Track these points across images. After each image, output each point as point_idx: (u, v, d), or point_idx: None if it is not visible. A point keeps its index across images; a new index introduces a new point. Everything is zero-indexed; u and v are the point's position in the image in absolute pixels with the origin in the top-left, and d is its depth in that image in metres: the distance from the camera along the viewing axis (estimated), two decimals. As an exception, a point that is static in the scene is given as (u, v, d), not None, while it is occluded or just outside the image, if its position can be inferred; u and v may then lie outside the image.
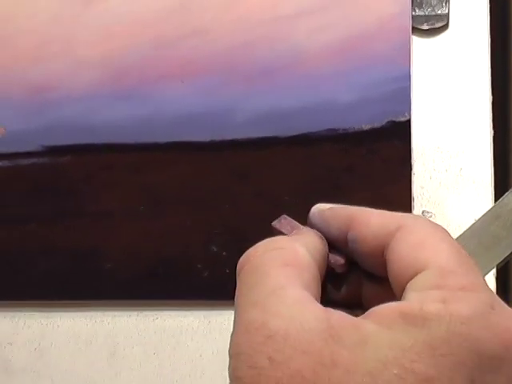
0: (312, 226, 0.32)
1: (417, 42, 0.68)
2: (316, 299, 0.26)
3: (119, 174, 0.72)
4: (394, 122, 0.67)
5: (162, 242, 0.70)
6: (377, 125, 0.67)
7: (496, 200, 0.63)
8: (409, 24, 0.68)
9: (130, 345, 0.70)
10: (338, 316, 0.25)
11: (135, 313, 0.70)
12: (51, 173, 0.73)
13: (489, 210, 0.59)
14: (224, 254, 0.68)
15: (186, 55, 0.73)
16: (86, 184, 0.73)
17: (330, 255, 0.31)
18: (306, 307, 0.25)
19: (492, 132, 0.65)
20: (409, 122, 0.66)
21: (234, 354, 0.26)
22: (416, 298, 0.25)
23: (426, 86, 0.68)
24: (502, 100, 0.70)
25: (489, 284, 0.59)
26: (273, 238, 0.29)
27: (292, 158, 0.68)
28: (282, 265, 0.27)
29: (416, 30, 0.68)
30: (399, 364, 0.23)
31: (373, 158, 0.66)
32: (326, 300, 0.28)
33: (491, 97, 0.66)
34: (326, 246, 0.31)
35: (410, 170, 0.66)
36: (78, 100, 0.74)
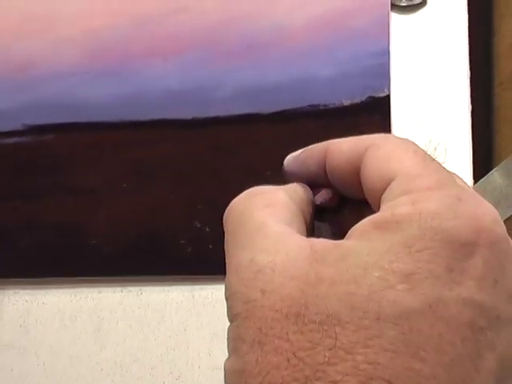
0: (290, 177, 0.33)
1: (395, 18, 0.69)
2: (301, 233, 0.27)
3: (103, 152, 0.73)
4: (373, 97, 0.67)
5: (145, 219, 0.71)
6: (357, 100, 0.68)
7: (475, 173, 0.64)
8: (387, 0, 0.69)
9: (114, 320, 0.70)
10: (320, 241, 0.26)
11: (119, 288, 0.71)
12: (34, 151, 0.74)
13: (474, 186, 0.60)
14: (207, 229, 0.69)
15: (169, 33, 0.73)
16: (69, 162, 0.73)
17: (318, 195, 0.32)
18: (289, 239, 0.26)
19: (470, 106, 0.66)
20: (388, 97, 0.67)
21: (230, 295, 0.27)
22: (387, 207, 0.26)
23: (404, 62, 0.68)
24: (480, 74, 0.71)
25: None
26: (254, 187, 0.30)
27: (274, 133, 0.69)
28: (263, 206, 0.28)
29: (395, 7, 0.69)
30: (379, 267, 0.24)
31: (353, 133, 0.67)
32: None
33: (469, 71, 0.67)
34: (310, 193, 0.32)
35: (390, 144, 0.67)
36: (61, 78, 0.74)
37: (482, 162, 0.68)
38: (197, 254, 0.69)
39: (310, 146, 0.33)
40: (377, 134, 0.30)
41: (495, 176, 0.61)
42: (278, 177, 0.69)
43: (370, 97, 0.67)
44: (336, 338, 0.23)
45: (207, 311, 0.67)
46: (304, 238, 0.27)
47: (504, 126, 0.96)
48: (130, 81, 0.73)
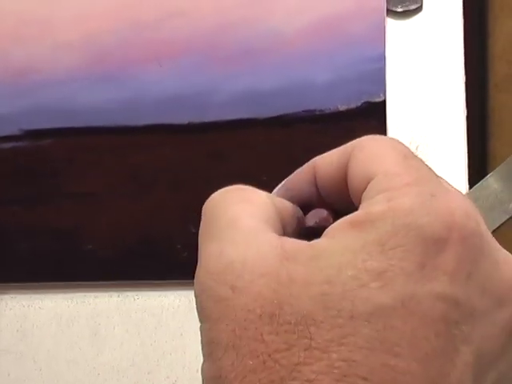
0: None
1: (391, 23, 0.69)
2: (276, 232, 0.27)
3: (100, 157, 0.73)
4: (369, 102, 0.67)
5: (142, 224, 0.71)
6: (352, 105, 0.68)
7: (470, 180, 0.64)
8: (384, 6, 0.69)
9: (111, 325, 0.71)
10: (292, 241, 0.26)
11: (116, 293, 0.71)
12: (32, 156, 0.74)
13: (468, 192, 0.60)
14: (204, 234, 0.69)
15: (165, 38, 0.73)
16: (67, 167, 0.73)
17: (310, 216, 0.31)
18: (261, 235, 0.26)
19: (466, 112, 0.67)
20: (384, 102, 0.67)
21: (199, 291, 0.26)
22: (363, 206, 0.26)
23: (400, 68, 0.69)
24: (475, 77, 0.71)
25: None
26: (237, 185, 0.30)
27: (270, 139, 0.69)
28: (240, 201, 0.28)
29: (391, 12, 0.69)
30: (352, 266, 0.24)
31: (349, 138, 0.67)
32: None
33: (464, 77, 0.67)
34: (299, 213, 0.31)
35: (386, 149, 0.67)
36: (58, 83, 0.74)
37: (477, 165, 0.69)
38: (193, 259, 0.69)
39: (292, 174, 0.32)
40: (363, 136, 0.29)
41: (490, 181, 0.61)
42: (275, 182, 0.70)
43: (366, 102, 0.67)
44: (311, 338, 0.24)
45: (204, 316, 0.67)
46: (275, 235, 0.26)
47: (498, 128, 0.96)
48: (127, 86, 0.73)
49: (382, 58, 0.68)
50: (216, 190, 0.75)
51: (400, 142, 0.28)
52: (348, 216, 0.26)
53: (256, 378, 0.24)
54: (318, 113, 0.68)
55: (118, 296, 0.71)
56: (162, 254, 0.70)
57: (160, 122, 0.72)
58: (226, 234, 0.26)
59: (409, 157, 0.27)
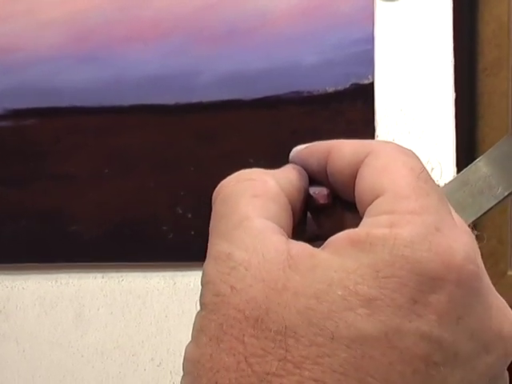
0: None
1: (380, 5, 0.68)
2: (284, 229, 0.27)
3: (84, 137, 0.72)
4: (357, 84, 0.67)
5: (127, 205, 0.70)
6: (341, 87, 0.67)
7: (458, 162, 0.64)
8: (373, -14, 0.68)
9: (95, 306, 0.70)
10: (298, 247, 0.26)
11: (100, 275, 0.70)
12: (16, 136, 0.73)
13: (457, 176, 0.59)
14: (189, 216, 0.68)
15: (151, 17, 0.72)
16: (51, 147, 0.72)
17: (314, 188, 0.32)
18: (269, 238, 0.26)
19: (454, 94, 0.66)
20: (372, 84, 0.67)
21: (204, 282, 0.26)
22: (366, 224, 0.26)
23: (388, 49, 0.68)
24: (465, 60, 0.70)
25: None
26: (245, 170, 0.29)
27: (257, 120, 0.69)
28: (251, 196, 0.27)
29: (380, -7, 0.68)
30: (343, 286, 0.24)
31: (337, 120, 0.67)
32: (310, 235, 0.29)
33: (453, 59, 0.67)
34: (306, 181, 0.31)
35: (373, 132, 0.67)
36: (42, 62, 0.73)
37: (465, 148, 0.68)
38: (178, 241, 0.68)
39: (313, 143, 0.32)
40: (381, 140, 0.29)
41: (479, 165, 0.60)
42: (261, 164, 0.69)
43: (354, 84, 0.67)
44: (287, 350, 0.24)
45: (189, 298, 0.67)
46: (283, 239, 0.26)
47: (487, 111, 0.95)
48: (111, 65, 0.72)
49: (371, 40, 0.67)
50: (202, 171, 0.73)
51: (417, 158, 0.27)
52: (349, 231, 0.26)
53: (227, 375, 0.24)
54: (305, 94, 0.68)
55: (103, 277, 0.70)
56: (147, 235, 0.69)
57: (145, 103, 0.71)
58: (236, 236, 0.26)
59: (422, 178, 0.26)
